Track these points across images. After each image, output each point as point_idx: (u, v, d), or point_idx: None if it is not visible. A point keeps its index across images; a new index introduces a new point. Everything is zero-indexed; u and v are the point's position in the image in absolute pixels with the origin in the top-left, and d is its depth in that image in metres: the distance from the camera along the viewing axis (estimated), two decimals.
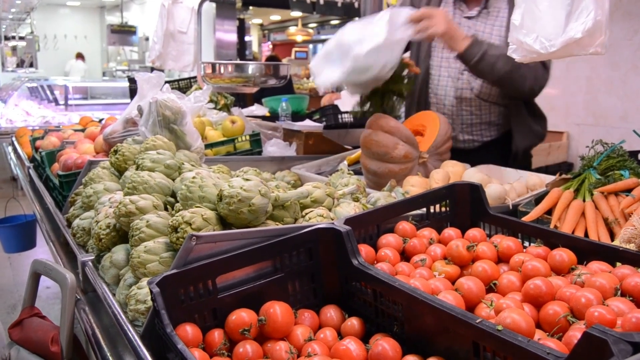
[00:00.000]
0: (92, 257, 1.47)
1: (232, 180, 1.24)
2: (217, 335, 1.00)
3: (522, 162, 2.39)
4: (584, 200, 1.55)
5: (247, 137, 2.52)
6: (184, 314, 1.00)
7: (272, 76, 2.62)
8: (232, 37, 8.01)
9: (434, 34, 1.98)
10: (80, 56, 14.36)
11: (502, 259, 1.21)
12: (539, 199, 1.67)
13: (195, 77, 4.11)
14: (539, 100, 2.37)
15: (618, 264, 1.08)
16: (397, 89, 2.12)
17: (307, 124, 2.96)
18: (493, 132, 2.41)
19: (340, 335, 1.06)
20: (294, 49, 14.82)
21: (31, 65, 11.89)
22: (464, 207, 1.42)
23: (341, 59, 1.90)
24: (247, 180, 1.23)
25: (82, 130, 3.00)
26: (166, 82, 3.53)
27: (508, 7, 2.26)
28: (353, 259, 1.10)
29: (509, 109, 2.35)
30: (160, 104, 1.86)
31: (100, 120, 3.54)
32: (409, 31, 1.94)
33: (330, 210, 1.45)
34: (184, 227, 1.16)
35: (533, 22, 1.57)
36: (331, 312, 1.11)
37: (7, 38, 12.67)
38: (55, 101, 7.01)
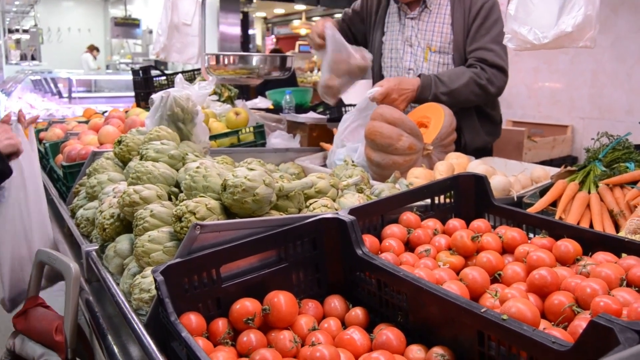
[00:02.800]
0: (96, 247, 1.48)
1: (237, 170, 1.23)
2: (221, 324, 1.00)
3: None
4: (589, 192, 1.54)
5: (251, 129, 2.52)
6: (187, 303, 1.00)
7: (276, 68, 2.61)
8: (236, 30, 8.01)
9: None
10: (91, 49, 14.27)
11: (506, 249, 1.21)
12: (543, 191, 1.66)
13: (199, 69, 4.09)
14: (544, 93, 2.37)
15: (623, 255, 1.07)
16: None
17: (311, 116, 2.95)
18: None
19: (345, 325, 1.06)
20: (297, 42, 14.78)
21: (34, 58, 11.86)
22: (468, 198, 1.41)
23: None
24: (252, 170, 1.23)
25: (86, 122, 3.00)
26: (169, 74, 3.51)
27: (449, 2, 2.34)
28: (357, 249, 1.09)
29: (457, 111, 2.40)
30: (176, 101, 1.84)
31: (104, 113, 3.55)
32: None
33: (334, 200, 1.45)
34: (188, 216, 1.16)
35: (526, 14, 1.59)
36: (335, 302, 1.11)
37: (10, 31, 12.65)
38: (59, 94, 6.99)
